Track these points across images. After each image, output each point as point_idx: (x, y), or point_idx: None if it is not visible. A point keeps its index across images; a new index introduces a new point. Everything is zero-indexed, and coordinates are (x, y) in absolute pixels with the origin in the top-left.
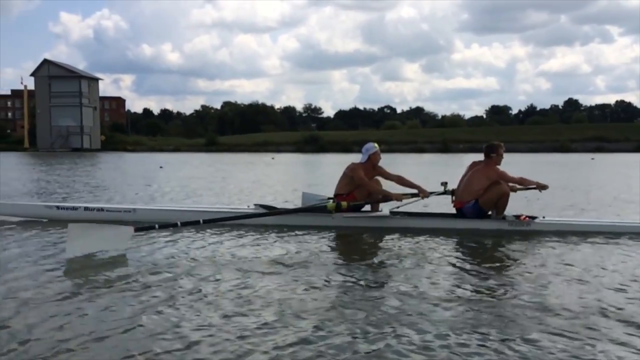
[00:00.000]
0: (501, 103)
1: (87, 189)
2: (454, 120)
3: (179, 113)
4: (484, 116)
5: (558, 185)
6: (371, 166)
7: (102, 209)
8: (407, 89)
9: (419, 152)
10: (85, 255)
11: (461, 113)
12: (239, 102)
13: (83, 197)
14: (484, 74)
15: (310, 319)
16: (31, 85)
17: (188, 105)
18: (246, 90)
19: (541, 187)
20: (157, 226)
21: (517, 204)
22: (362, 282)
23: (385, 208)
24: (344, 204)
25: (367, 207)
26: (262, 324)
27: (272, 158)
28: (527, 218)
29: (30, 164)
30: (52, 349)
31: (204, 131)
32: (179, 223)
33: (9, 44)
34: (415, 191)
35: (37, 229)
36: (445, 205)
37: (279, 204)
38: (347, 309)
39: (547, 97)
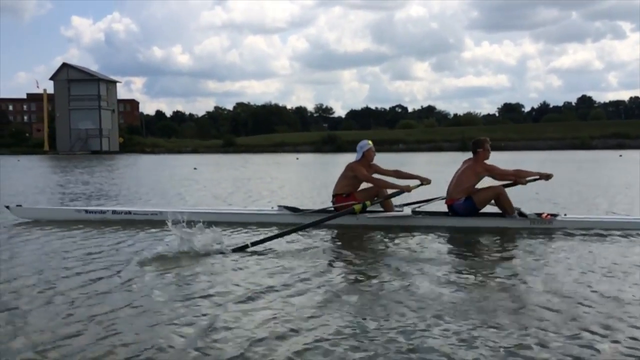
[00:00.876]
0: (512, 101)
1: (137, 193)
2: (471, 119)
3: (191, 115)
4: (497, 114)
5: (604, 184)
6: (367, 163)
7: (129, 212)
8: (417, 87)
9: (438, 151)
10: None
11: (472, 111)
12: (251, 103)
13: (141, 199)
14: (494, 71)
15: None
16: (49, 89)
17: (199, 107)
18: (256, 91)
19: (546, 176)
20: (250, 244)
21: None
22: (388, 279)
23: (406, 208)
24: (368, 203)
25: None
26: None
27: (297, 158)
28: (549, 216)
29: (60, 167)
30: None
31: (216, 132)
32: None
33: (22, 49)
34: (417, 181)
35: (68, 231)
36: None
37: (309, 205)
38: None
39: (559, 95)
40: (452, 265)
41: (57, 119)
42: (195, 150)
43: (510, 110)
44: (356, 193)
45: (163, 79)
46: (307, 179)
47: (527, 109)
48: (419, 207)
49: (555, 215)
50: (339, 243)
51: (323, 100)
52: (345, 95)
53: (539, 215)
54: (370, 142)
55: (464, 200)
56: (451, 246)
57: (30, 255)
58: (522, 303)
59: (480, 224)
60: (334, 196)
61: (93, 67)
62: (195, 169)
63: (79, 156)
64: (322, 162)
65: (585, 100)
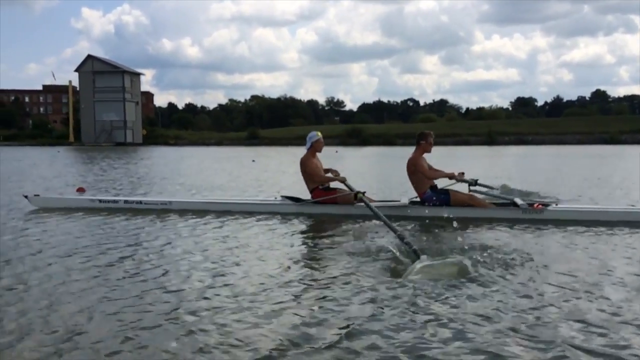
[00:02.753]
0: (522, 95)
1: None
2: (494, 113)
3: (203, 107)
4: (509, 108)
5: None
6: (314, 154)
7: (140, 202)
8: (427, 81)
9: (463, 145)
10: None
11: (483, 105)
12: (265, 95)
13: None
14: (504, 65)
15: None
16: (74, 81)
17: (207, 100)
18: (265, 84)
19: (451, 176)
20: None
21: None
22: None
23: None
24: (361, 193)
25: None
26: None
27: (336, 152)
28: (541, 206)
29: (99, 159)
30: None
31: (230, 125)
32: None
33: (32, 40)
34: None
35: (80, 218)
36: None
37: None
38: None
39: (569, 89)
40: (438, 252)
41: (82, 110)
42: (219, 143)
43: (524, 104)
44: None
45: (172, 71)
46: (380, 171)
47: (539, 102)
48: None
49: (546, 205)
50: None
51: (332, 93)
52: (354, 88)
53: (531, 205)
54: (319, 133)
55: (430, 191)
56: (444, 234)
57: (40, 241)
58: (505, 292)
59: (473, 215)
60: (310, 191)
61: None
62: (253, 161)
63: (105, 147)
64: (362, 155)
65: (599, 95)
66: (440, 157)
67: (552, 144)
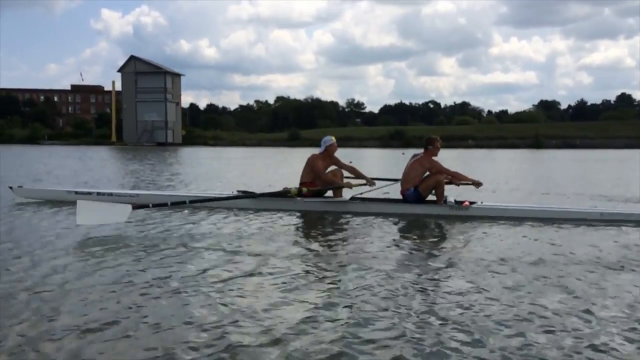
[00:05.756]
0: (542, 98)
1: None
2: (534, 115)
3: (224, 108)
4: (532, 111)
5: None
6: (328, 156)
7: (111, 194)
8: (443, 83)
9: (509, 148)
10: (91, 227)
11: (502, 108)
12: (287, 96)
13: None
14: (522, 68)
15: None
16: (117, 81)
17: (224, 100)
18: (281, 85)
19: (476, 183)
20: (151, 205)
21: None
22: (319, 258)
23: (348, 194)
24: (305, 189)
25: (330, 193)
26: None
27: (403, 153)
28: (468, 203)
29: (174, 158)
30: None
31: (254, 126)
32: (169, 203)
33: (53, 41)
34: (363, 181)
35: (57, 209)
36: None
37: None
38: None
39: (589, 92)
40: (371, 245)
41: (124, 110)
42: (260, 144)
43: (547, 108)
44: (317, 181)
45: (190, 72)
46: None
47: (562, 106)
48: (361, 193)
49: (473, 203)
50: (279, 223)
51: (348, 95)
52: (371, 90)
53: (460, 202)
54: (333, 137)
55: (413, 190)
56: (376, 228)
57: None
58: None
59: (406, 210)
60: (300, 184)
61: (121, 60)
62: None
63: (149, 148)
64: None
65: (624, 99)
66: (534, 162)
67: (601, 147)
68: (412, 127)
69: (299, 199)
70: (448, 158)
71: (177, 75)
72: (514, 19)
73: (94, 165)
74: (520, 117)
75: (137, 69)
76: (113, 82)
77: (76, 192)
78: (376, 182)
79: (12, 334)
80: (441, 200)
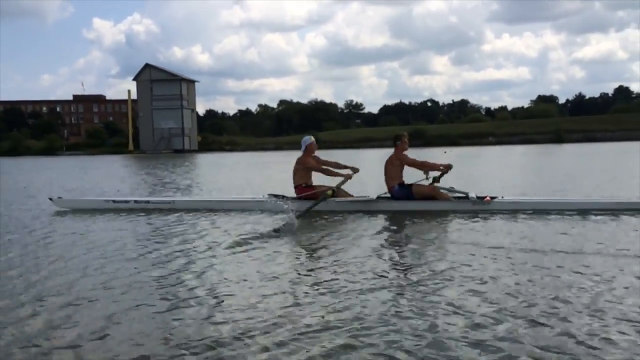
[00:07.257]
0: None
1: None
2: (545, 110)
3: (223, 113)
4: (532, 106)
5: None
6: (310, 155)
7: (148, 202)
8: (437, 82)
9: (529, 144)
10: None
11: (496, 105)
12: (294, 100)
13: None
14: (515, 64)
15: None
16: (133, 90)
17: (218, 106)
18: (275, 89)
19: (447, 166)
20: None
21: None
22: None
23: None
24: (335, 190)
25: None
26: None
27: (445, 152)
28: (490, 198)
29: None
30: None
31: (258, 130)
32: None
33: (45, 51)
34: (350, 171)
35: (100, 217)
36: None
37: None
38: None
39: (582, 86)
40: (404, 241)
41: (140, 118)
42: (279, 147)
43: (545, 102)
44: (310, 181)
45: None
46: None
47: (560, 100)
48: (341, 184)
49: (494, 198)
50: (317, 226)
51: (342, 96)
52: (365, 91)
53: (481, 198)
54: (312, 137)
55: (397, 186)
56: (408, 226)
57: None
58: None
59: (432, 207)
60: (295, 187)
61: (114, 68)
62: (445, 152)
63: (168, 155)
64: (468, 155)
65: (622, 91)
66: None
67: (622, 140)
68: (431, 126)
69: (330, 199)
70: (486, 155)
71: (191, 82)
72: (505, 15)
73: (123, 174)
74: (534, 113)
75: (152, 77)
76: (129, 91)
77: (114, 201)
78: (449, 194)
79: (70, 336)
80: (427, 173)
